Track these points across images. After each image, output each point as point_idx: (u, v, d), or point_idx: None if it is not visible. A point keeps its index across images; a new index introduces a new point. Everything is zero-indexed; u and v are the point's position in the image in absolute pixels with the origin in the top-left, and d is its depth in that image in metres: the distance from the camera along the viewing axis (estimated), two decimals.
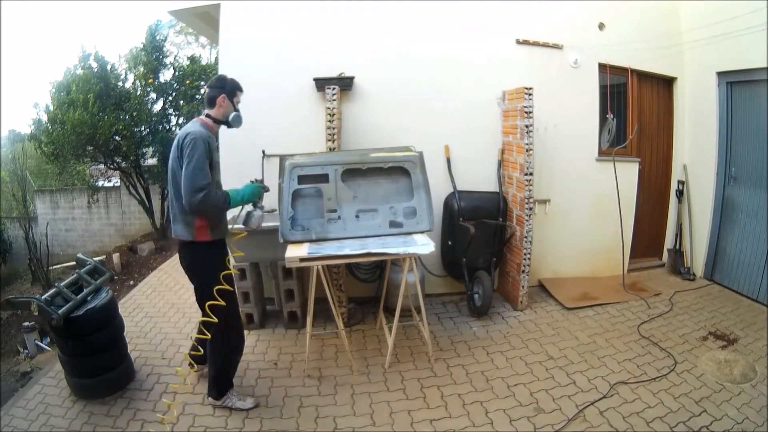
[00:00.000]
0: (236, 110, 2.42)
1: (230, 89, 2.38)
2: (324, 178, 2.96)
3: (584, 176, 4.09)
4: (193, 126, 2.28)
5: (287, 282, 3.38)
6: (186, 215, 2.27)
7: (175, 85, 7.33)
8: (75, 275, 2.83)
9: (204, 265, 2.38)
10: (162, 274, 5.02)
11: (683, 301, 3.83)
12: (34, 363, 4.63)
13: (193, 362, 2.67)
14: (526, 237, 3.58)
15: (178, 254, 2.49)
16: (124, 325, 2.95)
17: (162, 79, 7.29)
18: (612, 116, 4.05)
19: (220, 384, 2.54)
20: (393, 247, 2.75)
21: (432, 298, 3.92)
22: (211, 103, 2.35)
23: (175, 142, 2.25)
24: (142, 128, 7.11)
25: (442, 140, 3.78)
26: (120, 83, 7.06)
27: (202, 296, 2.39)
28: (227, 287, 2.36)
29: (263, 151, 3.58)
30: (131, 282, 5.80)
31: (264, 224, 2.69)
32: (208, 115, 2.37)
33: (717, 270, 4.18)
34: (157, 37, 7.14)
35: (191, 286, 4.82)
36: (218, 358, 2.49)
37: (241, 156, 3.55)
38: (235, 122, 2.40)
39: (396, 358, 3.04)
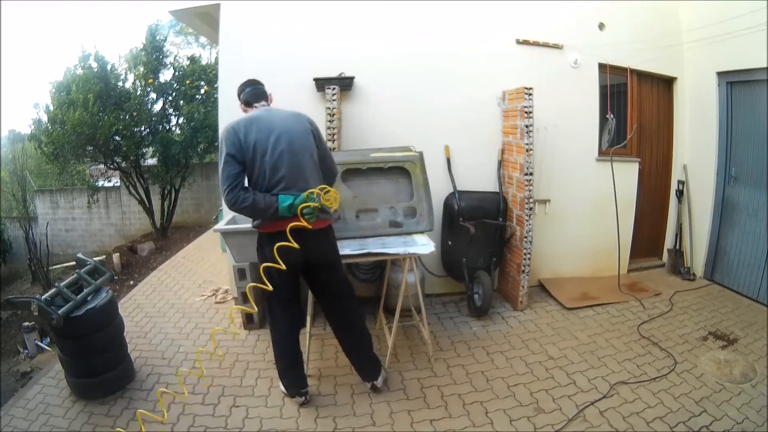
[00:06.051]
0: None
1: None
2: None
3: (584, 176, 4.10)
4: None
5: None
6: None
7: (175, 85, 7.33)
8: (75, 275, 2.83)
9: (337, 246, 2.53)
10: (162, 274, 5.02)
11: (683, 301, 3.83)
12: (34, 363, 4.63)
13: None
14: (526, 237, 3.58)
15: (307, 246, 2.24)
16: (124, 325, 2.95)
17: (162, 79, 7.30)
18: (612, 116, 4.05)
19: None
20: (393, 247, 2.75)
21: (432, 298, 3.92)
22: (266, 98, 2.48)
23: (301, 121, 2.35)
24: (142, 128, 7.12)
25: (442, 140, 3.78)
26: (120, 83, 7.07)
27: (341, 272, 2.53)
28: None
29: None
30: (131, 282, 5.80)
31: None
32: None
33: (717, 270, 4.18)
34: (157, 37, 7.14)
35: (191, 286, 4.80)
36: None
37: None
38: None
39: (396, 358, 3.04)
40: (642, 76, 4.26)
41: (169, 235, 7.97)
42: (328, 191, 2.24)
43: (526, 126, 3.47)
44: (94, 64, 6.78)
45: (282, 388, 2.64)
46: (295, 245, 2.11)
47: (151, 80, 7.02)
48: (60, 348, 2.71)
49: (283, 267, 2.12)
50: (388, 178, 3.15)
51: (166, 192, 7.81)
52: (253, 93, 2.43)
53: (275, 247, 2.13)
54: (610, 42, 3.97)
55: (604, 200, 4.12)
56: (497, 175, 3.86)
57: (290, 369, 2.53)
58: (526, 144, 3.48)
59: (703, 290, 4.04)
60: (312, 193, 2.19)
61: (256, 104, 2.40)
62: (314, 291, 2.59)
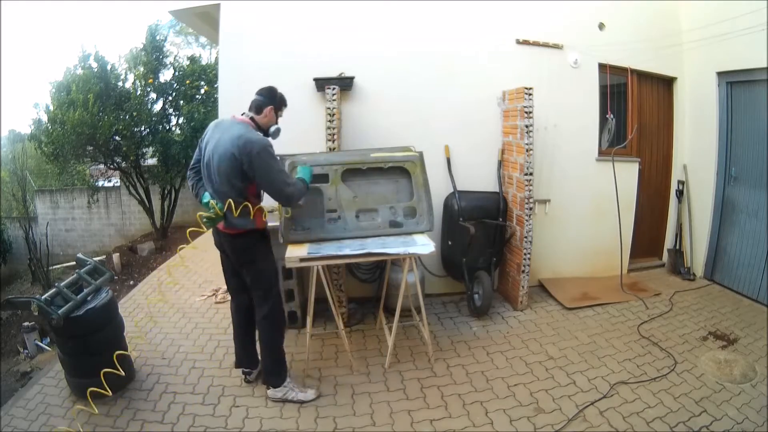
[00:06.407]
0: (277, 124, 2.57)
1: (278, 103, 2.55)
2: (324, 178, 2.95)
3: (584, 176, 4.10)
4: (246, 129, 2.38)
5: (287, 282, 3.38)
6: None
7: (175, 85, 7.33)
8: (75, 275, 2.83)
9: (262, 248, 2.56)
10: (162, 274, 5.02)
11: (683, 301, 3.83)
12: (34, 363, 4.64)
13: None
14: (526, 237, 3.58)
15: (224, 244, 2.54)
16: (124, 325, 2.95)
17: (162, 79, 7.29)
18: (612, 116, 4.05)
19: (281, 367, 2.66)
20: (393, 247, 2.75)
21: (432, 298, 3.91)
22: (259, 110, 2.49)
23: (234, 145, 2.29)
24: (142, 128, 7.11)
25: (442, 140, 3.78)
26: (120, 83, 7.07)
27: (257, 278, 2.56)
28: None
29: None
30: (131, 282, 5.80)
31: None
32: (252, 119, 2.48)
33: (717, 270, 4.18)
34: (157, 37, 7.14)
35: (191, 286, 4.80)
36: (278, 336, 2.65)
37: None
38: (275, 135, 2.54)
39: (396, 358, 3.04)
40: (642, 76, 4.26)
41: (169, 235, 7.97)
42: (244, 205, 2.35)
43: (526, 126, 3.47)
44: (94, 64, 6.78)
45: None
46: (203, 229, 2.34)
47: (151, 80, 7.02)
48: (60, 348, 2.71)
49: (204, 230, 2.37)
50: (388, 178, 3.15)
51: (166, 192, 7.81)
52: (251, 102, 2.52)
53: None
54: (610, 42, 3.97)
55: (604, 200, 4.12)
56: (497, 175, 3.86)
57: (235, 338, 2.80)
58: (526, 144, 3.48)
59: (703, 290, 4.04)
60: (211, 205, 2.31)
61: (245, 111, 2.50)
62: None
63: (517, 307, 3.71)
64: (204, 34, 5.71)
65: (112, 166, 7.58)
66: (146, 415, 2.51)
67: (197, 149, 2.53)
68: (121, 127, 6.57)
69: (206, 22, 4.25)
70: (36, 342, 5.00)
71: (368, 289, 3.81)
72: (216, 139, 2.37)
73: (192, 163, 2.56)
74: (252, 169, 2.32)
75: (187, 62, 7.79)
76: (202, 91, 7.40)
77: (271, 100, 2.51)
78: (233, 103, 3.56)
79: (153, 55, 7.04)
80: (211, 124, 2.52)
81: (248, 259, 2.52)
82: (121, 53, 13.61)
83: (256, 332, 2.72)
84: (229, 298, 3.89)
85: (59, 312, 2.48)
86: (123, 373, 2.52)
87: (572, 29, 3.93)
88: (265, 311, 2.56)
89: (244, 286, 2.63)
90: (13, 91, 24.78)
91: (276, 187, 2.42)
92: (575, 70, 3.97)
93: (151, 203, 7.86)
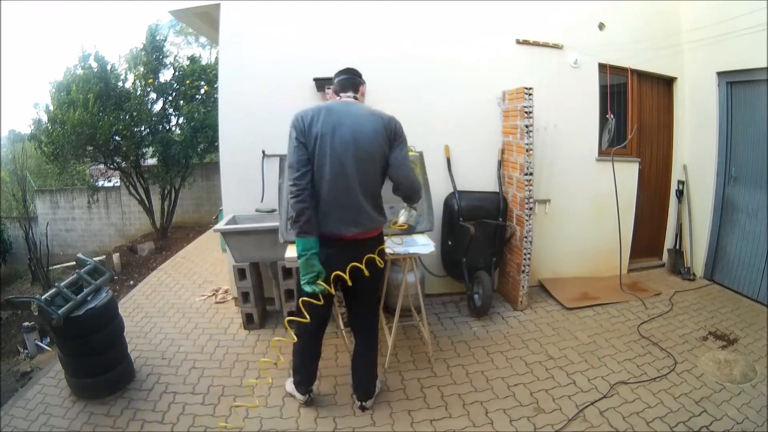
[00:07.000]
0: None
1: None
2: None
3: (584, 176, 4.10)
4: (370, 107, 2.24)
5: (287, 282, 3.38)
6: (378, 204, 2.23)
7: (175, 85, 7.32)
8: (75, 275, 2.83)
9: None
10: (162, 274, 5.02)
11: (683, 301, 3.83)
12: (34, 363, 4.63)
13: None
14: (526, 237, 3.58)
15: (358, 252, 2.18)
16: (124, 325, 2.95)
17: (162, 79, 7.28)
18: (612, 116, 4.05)
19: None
20: (393, 247, 2.75)
21: (432, 298, 3.92)
22: (356, 89, 2.30)
23: (375, 122, 2.12)
24: (142, 128, 7.11)
25: (442, 140, 3.78)
26: (120, 83, 7.06)
27: (374, 291, 2.41)
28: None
29: (263, 151, 3.58)
30: (131, 282, 5.80)
31: (263, 224, 2.67)
32: (356, 98, 2.29)
33: (717, 270, 4.18)
34: (157, 37, 7.13)
35: (191, 286, 4.78)
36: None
37: (241, 155, 3.55)
38: None
39: (396, 358, 3.04)
40: (642, 76, 4.26)
41: (169, 235, 7.97)
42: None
43: (526, 126, 3.47)
44: (94, 64, 6.77)
45: (289, 386, 2.62)
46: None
47: (151, 80, 7.01)
48: (60, 348, 2.71)
49: (321, 302, 2.12)
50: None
51: (166, 192, 7.80)
52: (341, 82, 2.27)
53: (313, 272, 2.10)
54: (610, 42, 3.97)
55: (604, 200, 4.12)
56: (497, 175, 3.86)
57: (307, 366, 2.51)
58: (526, 144, 3.49)
59: (703, 290, 4.04)
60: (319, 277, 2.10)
61: (342, 94, 2.26)
62: (346, 295, 2.49)
63: (517, 307, 3.71)
64: (204, 34, 5.70)
65: (112, 166, 7.57)
66: (146, 415, 2.51)
67: (301, 147, 2.08)
68: (121, 127, 6.57)
69: (206, 22, 4.24)
70: (36, 342, 4.99)
71: None
72: (335, 125, 2.07)
73: (302, 166, 2.07)
74: (394, 150, 2.15)
75: (187, 62, 7.78)
76: (202, 91, 7.39)
77: (361, 78, 2.34)
78: (233, 103, 3.57)
79: (153, 55, 7.03)
80: (312, 113, 2.10)
81: (382, 268, 2.31)
82: (121, 53, 13.65)
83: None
84: (230, 300, 3.84)
85: (59, 312, 2.48)
86: (307, 319, 2.17)
87: (572, 29, 3.93)
88: (376, 324, 2.50)
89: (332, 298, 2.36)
90: (13, 91, 24.80)
91: (411, 173, 2.20)
92: (575, 70, 3.97)
93: (151, 203, 7.85)
